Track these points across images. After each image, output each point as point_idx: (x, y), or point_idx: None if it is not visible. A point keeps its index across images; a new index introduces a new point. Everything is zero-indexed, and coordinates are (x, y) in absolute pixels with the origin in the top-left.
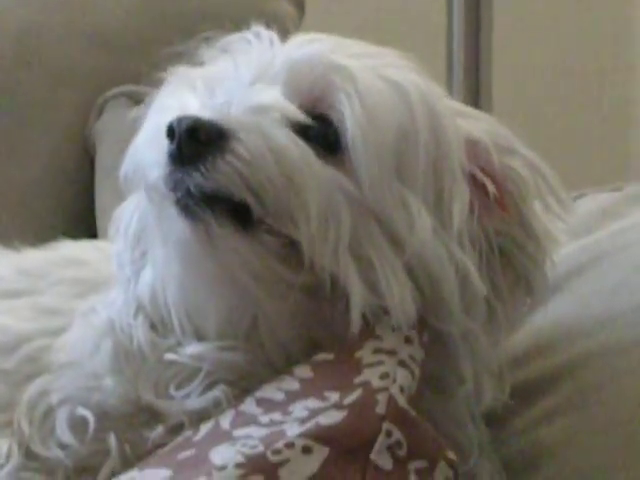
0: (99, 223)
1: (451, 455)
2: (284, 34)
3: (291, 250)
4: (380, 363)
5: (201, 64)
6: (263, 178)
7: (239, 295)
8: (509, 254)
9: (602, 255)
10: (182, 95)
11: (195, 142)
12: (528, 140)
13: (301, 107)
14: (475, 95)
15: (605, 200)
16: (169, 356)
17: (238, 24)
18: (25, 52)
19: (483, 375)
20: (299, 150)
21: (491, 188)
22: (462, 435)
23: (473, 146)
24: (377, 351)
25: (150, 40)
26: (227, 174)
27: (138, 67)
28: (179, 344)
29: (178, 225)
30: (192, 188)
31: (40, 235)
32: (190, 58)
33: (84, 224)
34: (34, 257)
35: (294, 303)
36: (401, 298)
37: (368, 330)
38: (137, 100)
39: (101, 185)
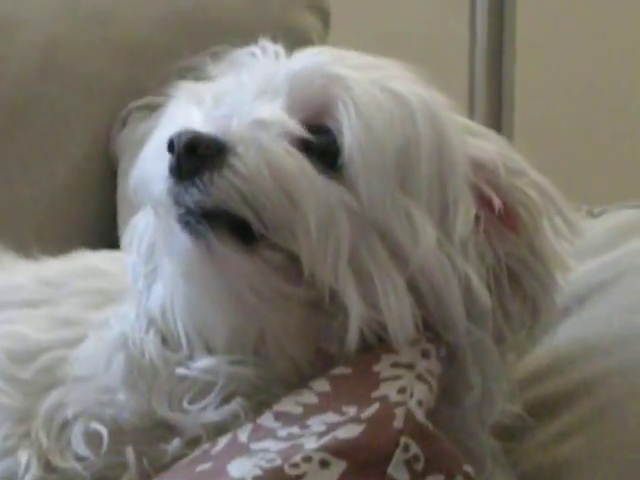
0: (120, 234)
1: (468, 469)
2: (310, 47)
3: (292, 265)
4: (398, 377)
5: (209, 79)
6: (260, 193)
7: (244, 310)
8: (518, 276)
9: (623, 272)
10: (188, 109)
11: (194, 157)
12: (550, 160)
13: (302, 119)
14: (497, 117)
15: (627, 216)
16: (180, 371)
17: (263, 38)
18: (52, 63)
19: (492, 384)
20: (297, 164)
21: (497, 203)
22: (475, 445)
23: (481, 164)
24: (395, 365)
25: (176, 52)
26: (224, 189)
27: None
28: (190, 358)
29: (181, 241)
30: (191, 204)
31: (61, 245)
32: (199, 73)
33: (107, 235)
34: (53, 267)
35: (298, 317)
36: (400, 314)
37: (386, 344)
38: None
39: (122, 197)
